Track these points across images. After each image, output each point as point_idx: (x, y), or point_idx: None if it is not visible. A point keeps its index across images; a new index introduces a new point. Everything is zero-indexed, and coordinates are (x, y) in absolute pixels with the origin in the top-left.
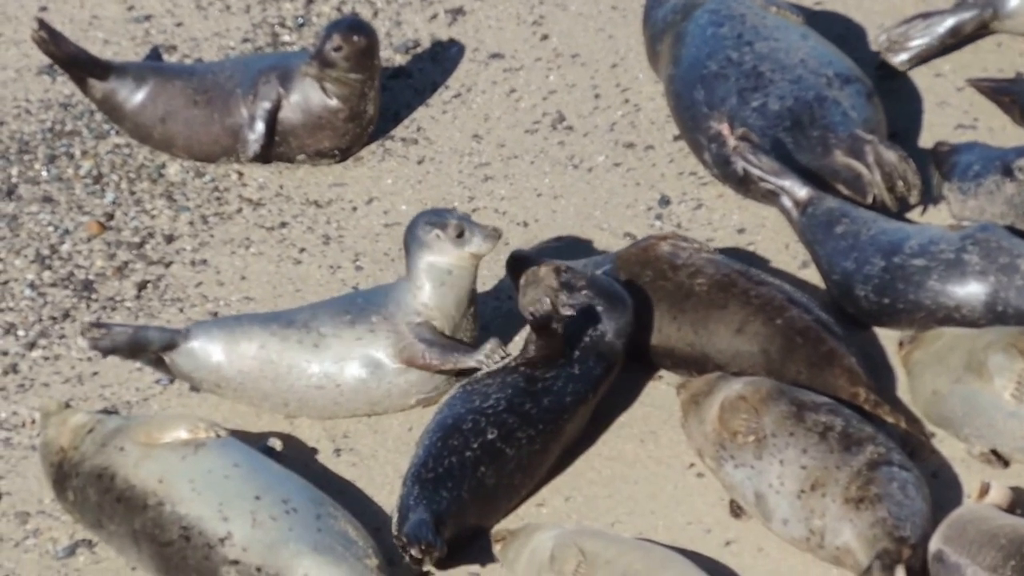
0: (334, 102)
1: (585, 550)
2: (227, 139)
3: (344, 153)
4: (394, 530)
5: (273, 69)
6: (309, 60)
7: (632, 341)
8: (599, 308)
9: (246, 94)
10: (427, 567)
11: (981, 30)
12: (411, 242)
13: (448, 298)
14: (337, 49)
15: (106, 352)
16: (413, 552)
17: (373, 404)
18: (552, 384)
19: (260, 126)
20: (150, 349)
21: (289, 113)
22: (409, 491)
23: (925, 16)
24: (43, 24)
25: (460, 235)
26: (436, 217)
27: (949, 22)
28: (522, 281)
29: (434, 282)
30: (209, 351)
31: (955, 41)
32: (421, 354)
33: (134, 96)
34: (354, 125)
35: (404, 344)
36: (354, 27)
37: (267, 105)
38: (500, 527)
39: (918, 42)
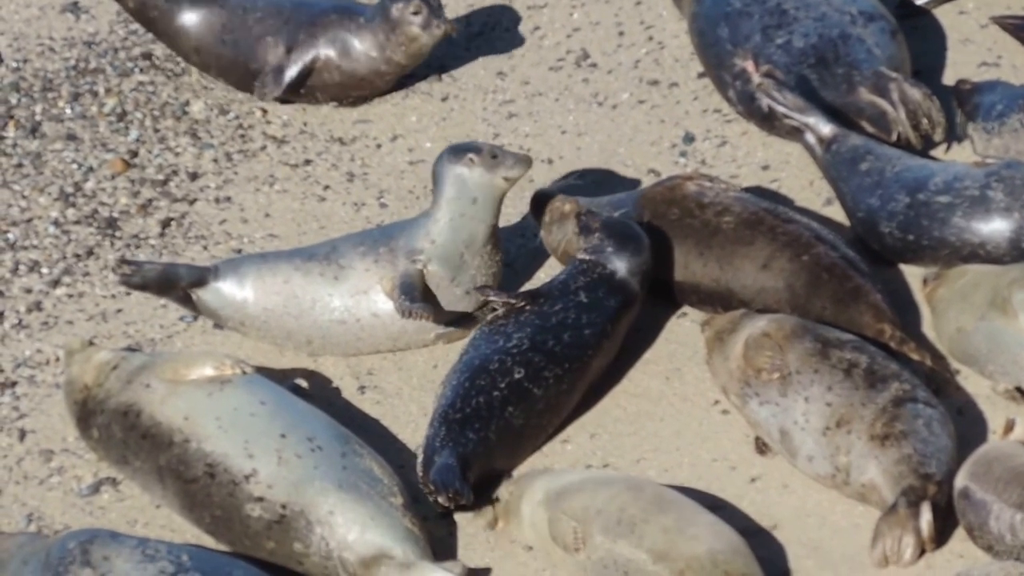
0: (387, 68)
1: (573, 508)
2: (251, 81)
3: (368, 99)
4: (419, 471)
5: (314, 25)
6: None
7: (653, 280)
8: (610, 247)
9: (278, 42)
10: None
11: None
12: (441, 171)
13: (461, 233)
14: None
15: (136, 288)
16: (441, 500)
17: (393, 339)
18: (566, 317)
19: (285, 80)
20: (179, 285)
21: (326, 72)
22: (436, 432)
23: None
24: None
25: (494, 157)
26: (467, 145)
27: None
28: (546, 218)
29: (454, 213)
30: (237, 288)
31: None
32: (391, 292)
33: (171, 23)
34: (391, 85)
35: (390, 278)
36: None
37: (300, 66)
38: (487, 509)
39: None
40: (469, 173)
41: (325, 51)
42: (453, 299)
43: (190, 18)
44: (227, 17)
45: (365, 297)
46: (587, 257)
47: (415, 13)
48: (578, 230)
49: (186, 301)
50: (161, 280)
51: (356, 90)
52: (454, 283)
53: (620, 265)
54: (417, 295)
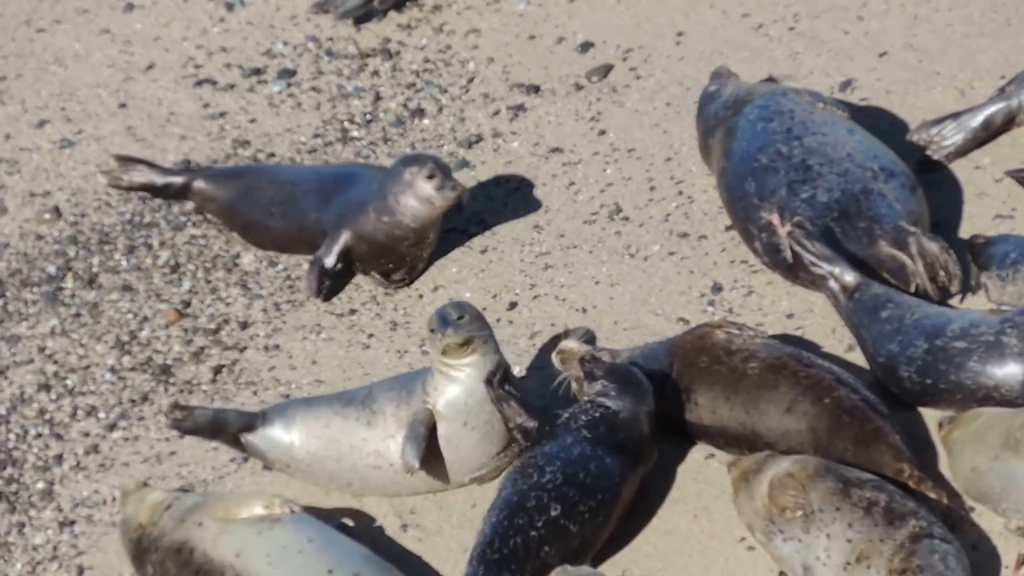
0: (400, 232)
1: None
2: (302, 247)
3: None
4: None
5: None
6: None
7: (683, 423)
8: (613, 391)
9: (320, 219)
10: None
11: (1010, 123)
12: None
13: (458, 384)
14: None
15: (188, 432)
16: None
17: (425, 482)
18: (583, 450)
19: (326, 273)
20: (229, 430)
21: (356, 245)
22: (475, 571)
23: (955, 116)
24: (120, 158)
25: (431, 331)
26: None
27: (979, 118)
28: (565, 365)
29: (444, 368)
30: (283, 432)
31: (988, 135)
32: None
33: (219, 202)
34: (417, 251)
35: (404, 417)
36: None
37: (335, 256)
38: None
39: (952, 140)
40: (431, 347)
41: (349, 229)
42: (470, 443)
43: (239, 196)
44: (275, 191)
45: (394, 441)
46: (590, 398)
47: (429, 177)
48: (583, 374)
49: (235, 443)
50: (211, 425)
51: (384, 257)
52: (467, 427)
53: (620, 406)
54: (423, 434)
